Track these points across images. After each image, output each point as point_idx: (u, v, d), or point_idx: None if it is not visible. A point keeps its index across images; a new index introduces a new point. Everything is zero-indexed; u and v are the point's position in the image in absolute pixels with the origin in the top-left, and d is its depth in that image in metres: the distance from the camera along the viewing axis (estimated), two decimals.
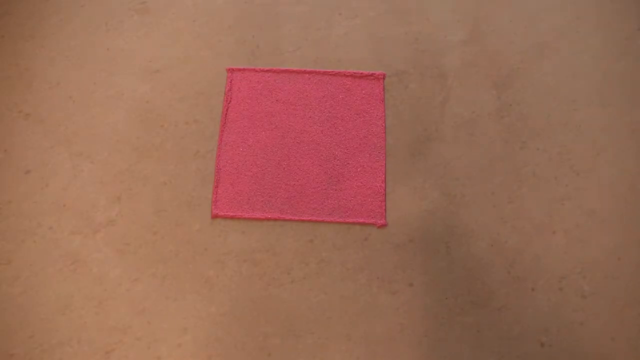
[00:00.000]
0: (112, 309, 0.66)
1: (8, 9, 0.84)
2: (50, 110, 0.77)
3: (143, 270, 0.68)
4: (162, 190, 0.72)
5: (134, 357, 0.64)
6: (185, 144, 0.75)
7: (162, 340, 0.65)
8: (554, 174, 0.73)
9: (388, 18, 0.82)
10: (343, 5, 0.83)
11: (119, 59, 0.80)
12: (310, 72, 0.79)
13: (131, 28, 0.83)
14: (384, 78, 0.79)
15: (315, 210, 0.71)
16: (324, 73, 0.79)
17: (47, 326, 0.65)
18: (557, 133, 0.75)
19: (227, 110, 0.77)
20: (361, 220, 0.70)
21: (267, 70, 0.79)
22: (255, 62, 0.80)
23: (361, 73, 0.79)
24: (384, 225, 0.70)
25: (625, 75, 0.78)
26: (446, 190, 0.72)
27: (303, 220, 0.71)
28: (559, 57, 0.79)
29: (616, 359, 0.63)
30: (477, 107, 0.76)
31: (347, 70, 0.79)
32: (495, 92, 0.77)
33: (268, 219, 0.71)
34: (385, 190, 0.72)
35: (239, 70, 0.79)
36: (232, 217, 0.71)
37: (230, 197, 0.72)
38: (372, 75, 0.79)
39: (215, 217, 0.71)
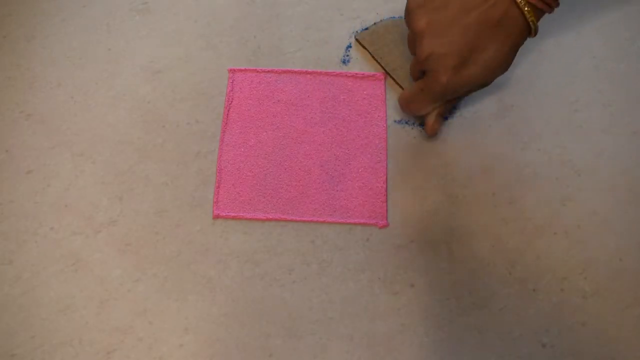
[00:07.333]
0: (114, 310, 0.66)
1: (9, 9, 0.84)
2: (52, 110, 0.77)
3: (144, 271, 0.68)
4: (163, 190, 0.72)
5: (136, 357, 0.64)
6: (186, 145, 0.75)
7: (163, 341, 0.65)
8: (555, 174, 0.73)
9: None
10: (344, 6, 0.83)
11: (120, 59, 0.81)
12: (311, 73, 0.79)
13: (132, 28, 0.83)
14: (385, 79, 0.79)
15: (316, 211, 0.71)
16: (326, 74, 0.79)
17: (48, 326, 0.65)
18: (558, 134, 0.75)
19: (228, 110, 0.77)
20: (362, 221, 0.70)
21: (269, 71, 0.79)
22: (256, 63, 0.80)
23: (363, 74, 0.79)
24: (385, 226, 0.70)
25: (627, 76, 0.78)
26: (447, 190, 0.72)
27: (304, 221, 0.71)
28: (560, 58, 0.79)
29: (618, 359, 0.63)
30: (479, 108, 0.77)
31: (348, 71, 0.79)
32: (497, 93, 0.77)
33: (269, 220, 0.71)
34: (386, 190, 0.72)
35: (241, 70, 0.79)
36: (233, 218, 0.71)
37: (232, 197, 0.72)
38: (373, 76, 0.78)
39: (216, 217, 0.71)
